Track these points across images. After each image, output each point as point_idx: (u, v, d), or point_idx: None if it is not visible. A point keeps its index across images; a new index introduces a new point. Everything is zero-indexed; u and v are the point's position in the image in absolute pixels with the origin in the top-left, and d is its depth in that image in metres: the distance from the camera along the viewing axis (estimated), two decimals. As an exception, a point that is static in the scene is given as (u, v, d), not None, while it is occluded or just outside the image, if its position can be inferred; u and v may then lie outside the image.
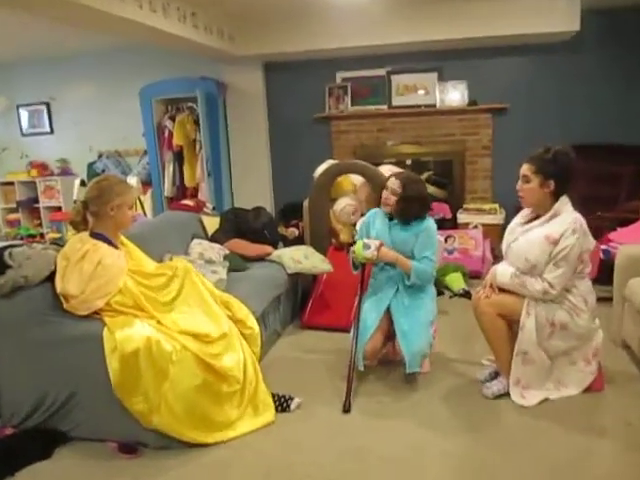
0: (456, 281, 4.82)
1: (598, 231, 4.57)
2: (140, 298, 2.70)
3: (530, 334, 2.79)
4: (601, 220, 4.79)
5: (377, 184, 4.47)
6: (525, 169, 2.81)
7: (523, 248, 2.81)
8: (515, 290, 2.83)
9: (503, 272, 2.89)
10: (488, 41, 5.60)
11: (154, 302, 2.73)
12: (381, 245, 3.07)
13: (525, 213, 2.98)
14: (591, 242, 2.80)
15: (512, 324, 2.90)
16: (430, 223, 3.18)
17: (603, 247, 4.27)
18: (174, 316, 2.72)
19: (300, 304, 4.41)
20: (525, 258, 2.78)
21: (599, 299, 2.94)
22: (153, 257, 3.17)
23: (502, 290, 2.90)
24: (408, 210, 3.13)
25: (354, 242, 3.31)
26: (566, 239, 2.68)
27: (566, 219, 2.72)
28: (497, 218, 5.62)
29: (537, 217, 2.86)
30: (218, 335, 2.70)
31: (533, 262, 2.76)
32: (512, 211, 5.81)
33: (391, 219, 3.21)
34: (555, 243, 2.70)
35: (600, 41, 5.62)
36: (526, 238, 2.82)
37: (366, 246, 3.07)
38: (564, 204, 2.78)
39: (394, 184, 3.14)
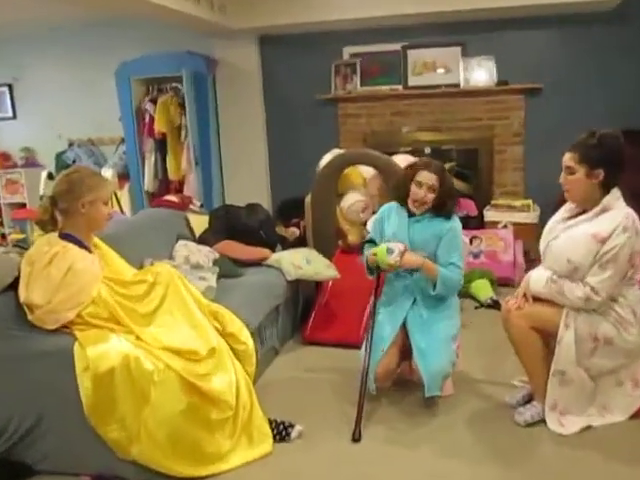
0: (483, 289, 4.81)
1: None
2: (116, 309, 2.70)
3: (569, 350, 2.78)
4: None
5: (390, 177, 4.49)
6: (568, 159, 2.77)
7: (565, 247, 2.77)
8: (552, 298, 2.82)
9: (538, 278, 2.88)
10: (520, 11, 5.60)
11: (132, 314, 2.73)
12: (405, 250, 3.06)
13: (569, 207, 2.93)
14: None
15: (548, 339, 2.88)
16: (456, 222, 3.18)
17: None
18: (155, 330, 2.72)
19: (302, 316, 4.41)
20: (567, 259, 2.74)
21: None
22: (132, 262, 3.17)
23: (537, 299, 2.89)
24: (446, 207, 3.14)
25: (366, 242, 3.31)
26: (616, 237, 2.64)
27: (617, 215, 2.68)
28: (530, 216, 5.60)
29: (583, 212, 2.83)
30: (206, 352, 2.70)
31: (576, 264, 2.72)
32: (548, 208, 5.85)
33: (410, 215, 3.20)
34: (603, 242, 2.66)
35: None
36: (569, 235, 2.79)
37: (389, 251, 3.04)
38: (616, 198, 2.74)
39: (430, 179, 3.10)
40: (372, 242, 3.32)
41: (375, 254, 3.08)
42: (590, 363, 2.81)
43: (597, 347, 2.78)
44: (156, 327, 2.74)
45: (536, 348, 2.88)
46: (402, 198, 3.21)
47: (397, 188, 3.24)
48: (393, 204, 3.30)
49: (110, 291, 2.74)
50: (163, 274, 2.87)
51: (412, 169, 3.18)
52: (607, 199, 2.74)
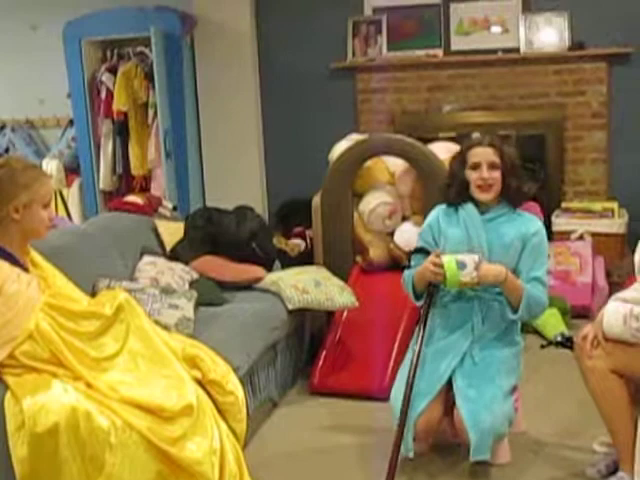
0: (551, 322, 4.79)
1: None
2: (60, 347, 2.70)
3: None
4: None
5: (427, 171, 4.49)
6: None
7: None
8: (636, 341, 2.82)
9: (613, 312, 2.88)
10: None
11: (82, 355, 2.73)
12: (481, 261, 3.05)
13: None
14: None
15: (636, 386, 2.89)
16: (540, 224, 3.23)
17: None
18: (113, 377, 2.72)
19: (308, 357, 4.41)
20: None
21: None
22: (81, 285, 3.18)
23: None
24: (519, 188, 3.18)
25: (411, 254, 3.28)
26: None
27: None
28: (615, 224, 5.59)
29: None
30: (180, 408, 2.69)
31: None
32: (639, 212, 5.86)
33: (482, 213, 3.22)
34: None
35: None
36: None
37: (460, 265, 3.01)
38: None
39: (487, 154, 3.15)
40: (422, 252, 3.29)
41: (445, 269, 3.02)
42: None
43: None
44: (114, 373, 2.73)
45: (619, 399, 2.88)
46: (462, 193, 3.22)
47: (449, 186, 3.27)
48: (443, 207, 3.32)
49: (52, 323, 2.74)
50: (125, 306, 2.88)
51: (461, 155, 3.23)
52: None
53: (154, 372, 2.78)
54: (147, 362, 2.80)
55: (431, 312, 3.25)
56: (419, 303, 3.28)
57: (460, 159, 3.24)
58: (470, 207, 3.23)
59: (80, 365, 2.70)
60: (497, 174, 3.14)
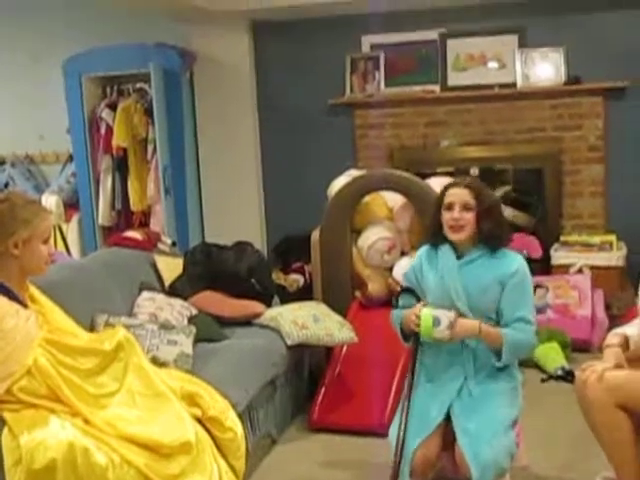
0: (551, 356, 4.79)
1: None
2: (58, 383, 2.69)
3: None
4: None
5: (425, 207, 4.50)
6: None
7: None
8: None
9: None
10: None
11: (80, 391, 2.73)
12: (457, 318, 3.06)
13: None
14: None
15: (639, 420, 2.87)
16: (521, 262, 3.18)
17: None
18: (111, 414, 2.71)
19: (307, 393, 4.39)
20: None
21: None
22: (80, 320, 3.18)
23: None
24: (497, 230, 3.15)
25: (399, 293, 3.30)
26: None
27: None
28: (614, 257, 5.60)
29: None
30: (178, 445, 2.68)
31: None
32: (638, 245, 5.86)
33: (459, 256, 3.21)
34: None
35: None
36: None
37: (436, 321, 3.04)
38: None
39: (462, 195, 3.13)
40: (409, 293, 3.30)
41: (419, 324, 3.06)
42: None
43: None
44: (112, 409, 2.73)
45: (624, 432, 2.85)
46: (437, 234, 3.23)
47: (431, 225, 3.27)
48: (428, 247, 3.32)
49: (51, 359, 2.74)
50: (124, 344, 2.88)
51: (440, 195, 3.24)
52: None
53: (152, 410, 2.78)
54: (145, 400, 2.80)
55: (420, 353, 3.24)
56: (407, 344, 3.28)
57: (438, 200, 3.23)
58: (447, 250, 3.21)
59: (78, 401, 2.70)
60: (469, 215, 3.11)
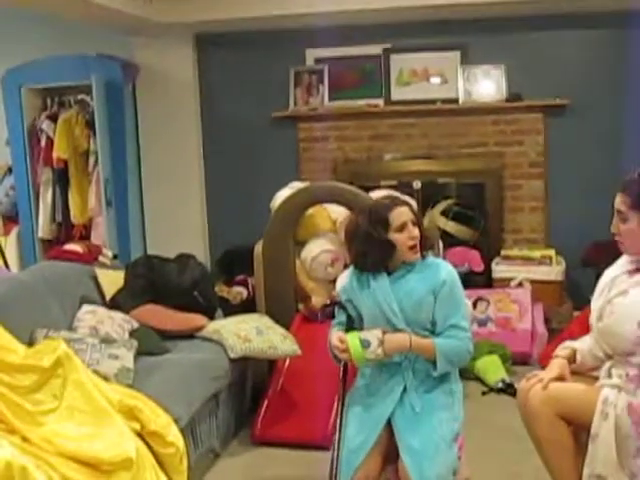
0: (492, 369, 4.83)
1: None
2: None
3: (608, 449, 2.77)
4: None
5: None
6: (619, 203, 2.86)
7: (636, 307, 2.81)
8: None
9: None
10: (537, 7, 5.77)
11: (17, 409, 2.68)
12: (384, 334, 3.05)
13: (630, 259, 3.00)
14: None
15: (578, 430, 2.90)
16: (450, 270, 3.19)
17: None
18: (50, 431, 2.67)
19: (250, 407, 4.38)
20: (638, 322, 2.77)
21: None
22: (19, 335, 3.13)
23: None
24: (427, 238, 3.20)
25: (333, 305, 3.28)
26: None
27: None
28: (553, 271, 5.68)
29: None
30: (119, 461, 2.65)
31: None
32: (576, 260, 5.96)
33: (389, 273, 3.20)
34: None
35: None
36: None
37: (364, 343, 3.02)
38: None
39: (408, 213, 3.15)
40: (342, 308, 3.29)
41: (349, 349, 3.02)
42: (637, 467, 2.79)
43: (646, 444, 2.79)
44: (51, 426, 2.69)
45: (564, 443, 2.88)
46: (382, 261, 3.20)
47: (366, 253, 3.21)
48: (352, 269, 3.29)
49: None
50: (63, 360, 2.84)
51: (376, 218, 3.16)
52: None
53: (93, 425, 2.75)
54: (85, 416, 2.77)
55: (364, 369, 3.24)
56: (337, 364, 3.23)
57: (381, 223, 3.14)
58: (376, 273, 3.20)
59: (16, 419, 2.66)
60: (417, 231, 3.15)
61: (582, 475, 2.84)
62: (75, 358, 2.92)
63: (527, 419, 2.94)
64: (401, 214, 3.13)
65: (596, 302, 3.00)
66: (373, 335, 2.99)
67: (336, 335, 3.09)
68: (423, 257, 3.19)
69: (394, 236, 3.11)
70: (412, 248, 3.12)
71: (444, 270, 3.16)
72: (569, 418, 2.87)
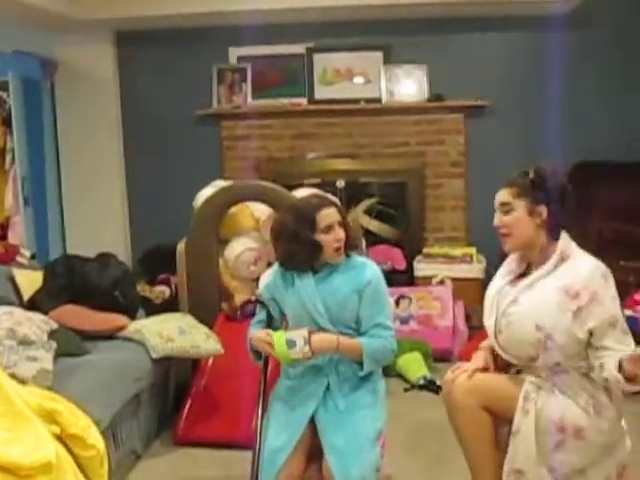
0: (414, 366, 4.88)
1: (620, 288, 4.76)
2: None
3: (528, 444, 2.83)
4: (625, 272, 5.00)
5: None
6: (503, 195, 2.96)
7: (530, 310, 2.87)
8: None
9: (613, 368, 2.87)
10: (459, 9, 5.88)
11: None
12: (310, 334, 3.04)
13: (510, 268, 3.09)
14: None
15: (500, 425, 2.94)
16: (375, 269, 3.20)
17: (628, 313, 4.43)
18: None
19: (173, 407, 4.35)
20: (535, 325, 2.83)
21: (624, 393, 3.03)
22: None
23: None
24: (353, 235, 3.20)
25: (255, 302, 3.27)
26: (607, 290, 2.80)
27: (582, 263, 2.85)
28: (474, 269, 5.78)
29: (528, 267, 2.99)
30: (38, 466, 2.59)
31: (548, 329, 2.80)
32: (496, 258, 6.03)
33: (315, 272, 3.20)
34: (576, 297, 2.77)
35: (617, 12, 6.01)
36: (531, 295, 2.90)
37: (290, 344, 3.00)
38: (568, 242, 2.91)
39: (335, 215, 3.13)
40: (263, 306, 3.28)
41: (274, 348, 3.01)
42: (555, 461, 2.85)
43: (564, 440, 2.83)
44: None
45: (486, 435, 2.92)
46: (310, 260, 3.19)
47: (292, 252, 3.20)
48: (277, 267, 3.29)
49: None
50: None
51: (303, 218, 3.15)
52: (561, 245, 2.90)
53: (10, 430, 2.68)
54: (3, 420, 2.69)
55: (286, 368, 3.24)
56: (258, 363, 3.24)
57: (308, 223, 3.12)
58: (301, 272, 3.19)
59: None
60: (343, 233, 3.14)
61: (501, 470, 2.89)
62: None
63: (451, 410, 2.97)
64: (328, 215, 3.12)
65: (489, 319, 3.06)
66: (299, 335, 2.97)
67: (262, 335, 3.07)
68: (348, 256, 3.21)
69: (320, 237, 3.10)
70: (337, 250, 3.13)
71: (369, 270, 3.17)
72: (492, 409, 2.91)
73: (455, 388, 2.94)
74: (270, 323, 3.20)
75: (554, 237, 2.91)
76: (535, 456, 2.83)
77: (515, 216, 2.92)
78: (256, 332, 3.16)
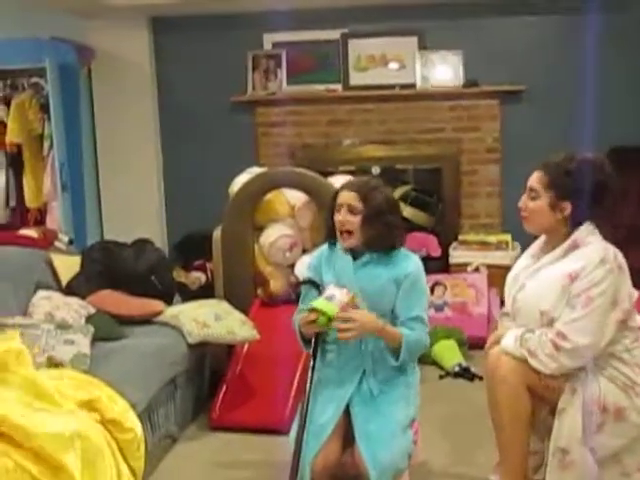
0: (449, 353, 4.87)
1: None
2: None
3: (574, 424, 2.85)
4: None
5: (327, 205, 4.53)
6: (534, 180, 2.99)
7: (534, 297, 2.92)
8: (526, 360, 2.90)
9: (507, 340, 2.98)
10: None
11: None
12: (353, 299, 3.05)
13: (536, 249, 3.09)
14: (630, 287, 2.91)
15: (537, 407, 2.96)
16: (417, 262, 3.21)
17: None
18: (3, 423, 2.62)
19: (208, 392, 4.38)
20: (539, 311, 2.87)
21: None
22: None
23: None
24: (386, 233, 3.15)
25: (297, 285, 3.28)
26: (590, 272, 2.79)
27: (593, 249, 2.85)
28: (509, 256, 5.74)
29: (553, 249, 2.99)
30: (52, 435, 2.55)
31: (551, 314, 2.84)
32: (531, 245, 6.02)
33: (355, 257, 3.22)
34: (575, 280, 2.80)
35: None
36: (536, 282, 2.94)
37: (329, 298, 2.95)
38: (589, 232, 2.91)
39: (348, 198, 3.13)
40: (311, 284, 3.29)
41: (315, 308, 3.00)
42: (596, 442, 2.86)
43: (606, 421, 2.85)
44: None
45: (525, 415, 2.93)
46: (333, 236, 3.23)
47: (326, 227, 3.27)
48: (326, 247, 3.32)
49: None
50: (17, 354, 2.77)
51: (333, 197, 3.22)
52: (577, 234, 2.90)
53: (47, 418, 2.69)
54: (38, 412, 2.70)
55: (321, 352, 3.24)
56: (307, 349, 3.25)
57: (331, 202, 3.21)
58: (343, 252, 3.21)
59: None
60: (356, 219, 3.09)
61: (549, 450, 2.90)
62: (27, 355, 2.84)
63: (494, 384, 2.98)
64: (340, 197, 3.16)
65: (507, 299, 3.12)
66: (333, 288, 3.02)
67: (302, 316, 3.09)
68: (394, 248, 3.21)
69: (335, 216, 3.16)
70: (340, 234, 3.14)
71: (411, 262, 3.19)
72: (534, 390, 2.92)
73: (502, 364, 2.95)
74: None
75: (574, 228, 2.92)
76: (580, 436, 2.85)
77: (538, 204, 2.95)
78: (297, 320, 3.20)
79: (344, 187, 3.20)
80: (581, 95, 5.98)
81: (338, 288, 3.02)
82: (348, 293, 3.00)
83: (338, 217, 3.13)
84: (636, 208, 5.43)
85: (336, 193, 3.22)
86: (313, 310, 2.98)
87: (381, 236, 3.13)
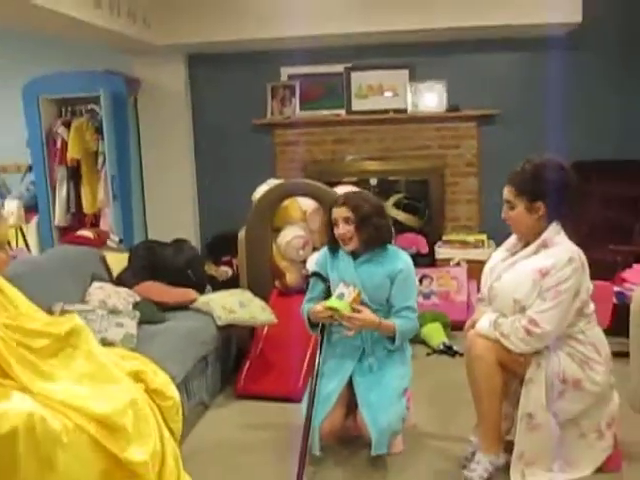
0: (435, 334, 4.87)
1: (610, 268, 4.71)
2: (8, 361, 2.57)
3: (539, 392, 2.86)
4: (614, 255, 4.94)
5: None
6: (506, 193, 2.99)
7: (509, 286, 2.91)
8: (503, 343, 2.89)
9: (483, 323, 2.98)
10: (472, 33, 5.79)
11: (33, 368, 2.60)
12: (359, 295, 3.09)
13: (510, 244, 3.09)
14: (588, 281, 2.93)
15: (508, 382, 2.98)
16: (407, 260, 3.24)
17: (616, 289, 4.38)
18: (60, 390, 2.60)
19: (234, 366, 4.38)
20: (513, 299, 2.88)
21: (612, 354, 3.02)
22: (38, 307, 3.10)
23: None
24: (376, 233, 3.17)
25: (307, 277, 3.30)
26: (560, 270, 2.80)
27: (561, 249, 2.86)
28: (485, 253, 5.70)
29: (525, 247, 2.99)
30: (111, 411, 2.55)
31: (523, 302, 2.85)
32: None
33: (355, 257, 3.23)
34: (547, 275, 2.81)
35: (607, 35, 5.91)
36: (511, 274, 2.94)
37: (340, 296, 3.06)
38: (555, 232, 2.91)
39: (340, 212, 3.16)
40: (318, 277, 3.31)
41: (330, 306, 3.05)
42: (558, 407, 2.89)
43: (565, 390, 2.87)
44: (61, 386, 2.62)
45: (499, 387, 2.94)
46: (332, 244, 3.27)
47: (327, 237, 3.31)
48: (326, 249, 3.34)
49: (6, 340, 2.61)
50: (77, 330, 2.77)
51: (328, 213, 3.26)
52: (546, 235, 2.90)
53: (102, 388, 2.68)
54: (95, 381, 2.70)
55: (328, 333, 3.27)
56: (314, 333, 3.30)
57: (328, 217, 3.26)
58: (344, 253, 3.24)
59: (31, 376, 2.58)
60: (351, 227, 3.14)
61: (518, 415, 2.91)
62: (87, 330, 2.86)
63: (471, 361, 2.99)
64: (334, 213, 3.20)
65: (484, 287, 3.11)
66: (340, 287, 3.08)
67: (318, 305, 3.15)
68: (385, 244, 3.22)
69: (334, 229, 3.20)
70: (342, 241, 3.18)
71: (403, 260, 3.22)
72: (506, 366, 2.93)
73: (478, 344, 2.95)
74: (328, 294, 3.22)
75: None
76: (544, 402, 2.87)
77: (517, 212, 2.94)
78: (313, 308, 3.20)
79: (335, 204, 3.22)
80: (547, 117, 5.97)
81: (346, 287, 3.08)
82: (354, 290, 3.06)
83: (338, 231, 3.17)
84: (596, 209, 5.42)
85: (330, 211, 3.23)
86: (329, 309, 3.06)
87: (373, 236, 3.17)
